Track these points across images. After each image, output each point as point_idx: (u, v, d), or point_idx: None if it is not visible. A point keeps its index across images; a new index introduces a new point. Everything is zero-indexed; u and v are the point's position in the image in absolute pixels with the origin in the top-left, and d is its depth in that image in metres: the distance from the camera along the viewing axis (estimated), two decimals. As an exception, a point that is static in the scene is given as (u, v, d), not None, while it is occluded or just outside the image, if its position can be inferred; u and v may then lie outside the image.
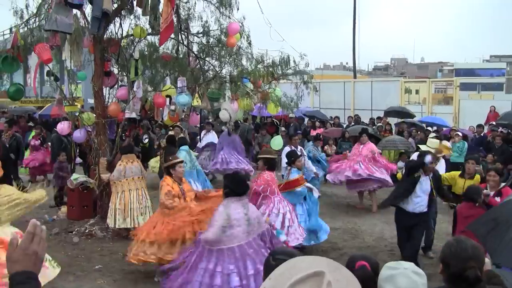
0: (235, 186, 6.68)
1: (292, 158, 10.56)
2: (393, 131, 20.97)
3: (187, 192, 8.78)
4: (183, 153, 12.97)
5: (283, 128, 20.26)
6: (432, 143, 11.10)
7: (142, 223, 10.09)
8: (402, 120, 22.54)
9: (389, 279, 3.30)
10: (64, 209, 12.76)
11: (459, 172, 10.37)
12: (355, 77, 39.21)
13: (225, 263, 6.34)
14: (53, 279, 7.80)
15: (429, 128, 21.08)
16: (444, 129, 21.09)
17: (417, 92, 42.29)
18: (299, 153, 12.30)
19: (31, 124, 20.26)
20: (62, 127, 12.03)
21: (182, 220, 7.97)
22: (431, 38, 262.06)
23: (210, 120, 20.31)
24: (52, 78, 12.20)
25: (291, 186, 10.28)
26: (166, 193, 8.37)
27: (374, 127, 21.47)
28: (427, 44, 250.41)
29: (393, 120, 23.54)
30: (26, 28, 12.12)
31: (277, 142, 14.45)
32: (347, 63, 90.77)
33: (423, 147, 10.95)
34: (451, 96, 33.42)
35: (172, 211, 8.20)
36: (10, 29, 12.24)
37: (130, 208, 10.78)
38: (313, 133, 19.41)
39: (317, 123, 22.65)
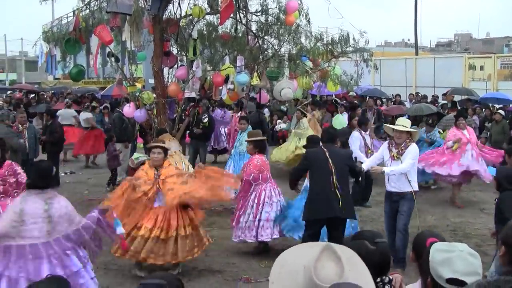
0: (36, 178, 5.92)
1: (310, 144, 9.54)
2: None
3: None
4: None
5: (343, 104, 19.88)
6: (402, 122, 8.76)
7: None
8: (467, 97, 21.89)
9: (445, 262, 3.03)
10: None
11: None
12: (417, 54, 38.47)
13: (13, 265, 5.64)
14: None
15: (495, 105, 20.41)
16: (511, 106, 20.44)
17: (481, 68, 40.95)
18: (364, 141, 12.04)
19: (94, 104, 20.67)
20: (128, 109, 12.16)
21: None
22: (497, 12, 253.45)
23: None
24: (113, 59, 12.42)
25: None
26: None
27: (437, 104, 20.90)
28: (492, 18, 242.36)
29: (455, 98, 22.90)
30: (87, 11, 12.35)
31: (339, 120, 14.22)
32: (408, 40, 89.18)
33: (393, 127, 8.69)
34: (518, 72, 32.37)
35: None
36: (73, 11, 12.44)
37: None
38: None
39: (378, 102, 22.14)
